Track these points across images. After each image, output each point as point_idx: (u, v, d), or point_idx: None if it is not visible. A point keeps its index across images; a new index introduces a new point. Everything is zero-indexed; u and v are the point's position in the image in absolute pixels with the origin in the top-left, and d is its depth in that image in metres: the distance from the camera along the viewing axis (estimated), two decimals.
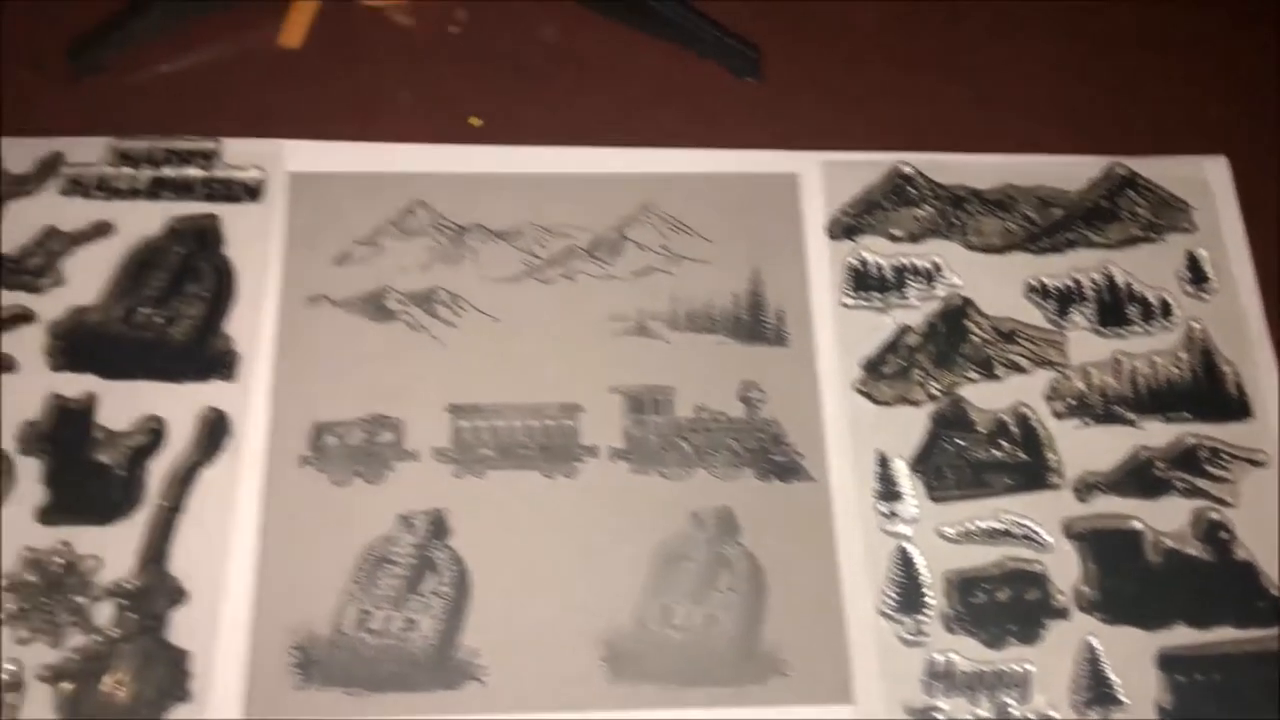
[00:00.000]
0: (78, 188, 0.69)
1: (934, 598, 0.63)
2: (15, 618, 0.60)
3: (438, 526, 0.64)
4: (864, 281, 0.70)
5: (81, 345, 0.66)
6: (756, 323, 0.69)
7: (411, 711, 0.59)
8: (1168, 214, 0.73)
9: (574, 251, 0.70)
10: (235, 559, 0.62)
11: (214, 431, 0.65)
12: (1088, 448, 0.67)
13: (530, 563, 0.63)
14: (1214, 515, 0.65)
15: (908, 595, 0.63)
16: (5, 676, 0.59)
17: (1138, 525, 0.65)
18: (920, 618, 0.63)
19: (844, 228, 0.71)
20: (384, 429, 0.65)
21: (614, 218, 0.71)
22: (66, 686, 0.59)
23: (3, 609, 0.60)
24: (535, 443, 0.66)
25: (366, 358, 0.67)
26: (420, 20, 0.75)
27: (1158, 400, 0.68)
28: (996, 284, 0.71)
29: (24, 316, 0.66)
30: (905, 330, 0.69)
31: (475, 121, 0.73)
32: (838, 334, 0.69)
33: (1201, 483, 0.66)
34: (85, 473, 0.63)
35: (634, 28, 0.76)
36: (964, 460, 0.66)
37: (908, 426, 0.67)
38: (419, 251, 0.70)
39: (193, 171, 0.70)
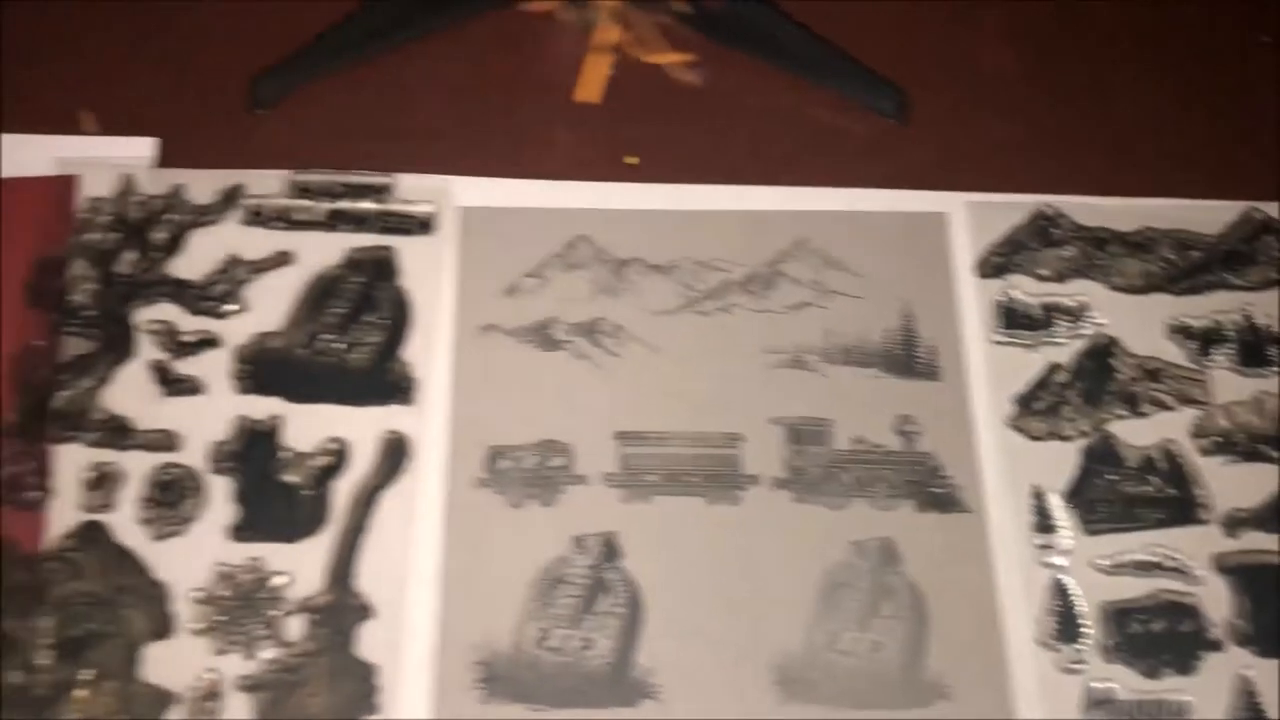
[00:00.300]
0: (258, 218, 0.73)
1: (1090, 628, 0.65)
2: (211, 630, 0.63)
3: (610, 549, 0.66)
4: (1013, 319, 0.72)
5: (266, 369, 0.69)
6: (909, 357, 0.71)
7: None
8: None
9: (729, 285, 0.73)
10: (418, 576, 0.65)
11: (395, 453, 0.67)
12: (1234, 484, 0.69)
13: (699, 586, 0.65)
14: None
15: (1065, 625, 0.65)
16: (204, 684, 0.62)
17: None
18: (1078, 647, 0.64)
19: (993, 267, 0.74)
20: (555, 454, 0.68)
21: (767, 253, 0.74)
22: (261, 696, 0.62)
23: (199, 621, 0.63)
24: (699, 470, 0.68)
25: (536, 385, 0.70)
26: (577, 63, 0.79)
27: None
28: (1140, 324, 0.73)
29: (210, 341, 0.69)
30: (1054, 368, 0.71)
31: (631, 160, 0.76)
32: (989, 370, 0.71)
33: None
34: (273, 492, 0.66)
35: (781, 69, 0.79)
36: (1115, 494, 0.68)
37: (1059, 461, 0.69)
38: (582, 284, 0.72)
39: (368, 205, 0.73)
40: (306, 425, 0.68)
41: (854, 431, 0.69)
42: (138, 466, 0.66)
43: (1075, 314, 0.73)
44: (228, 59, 0.77)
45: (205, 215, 0.72)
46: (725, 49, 0.79)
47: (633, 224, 0.74)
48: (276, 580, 0.64)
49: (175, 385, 0.68)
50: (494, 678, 0.63)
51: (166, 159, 0.74)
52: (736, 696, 0.63)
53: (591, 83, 0.76)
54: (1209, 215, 0.76)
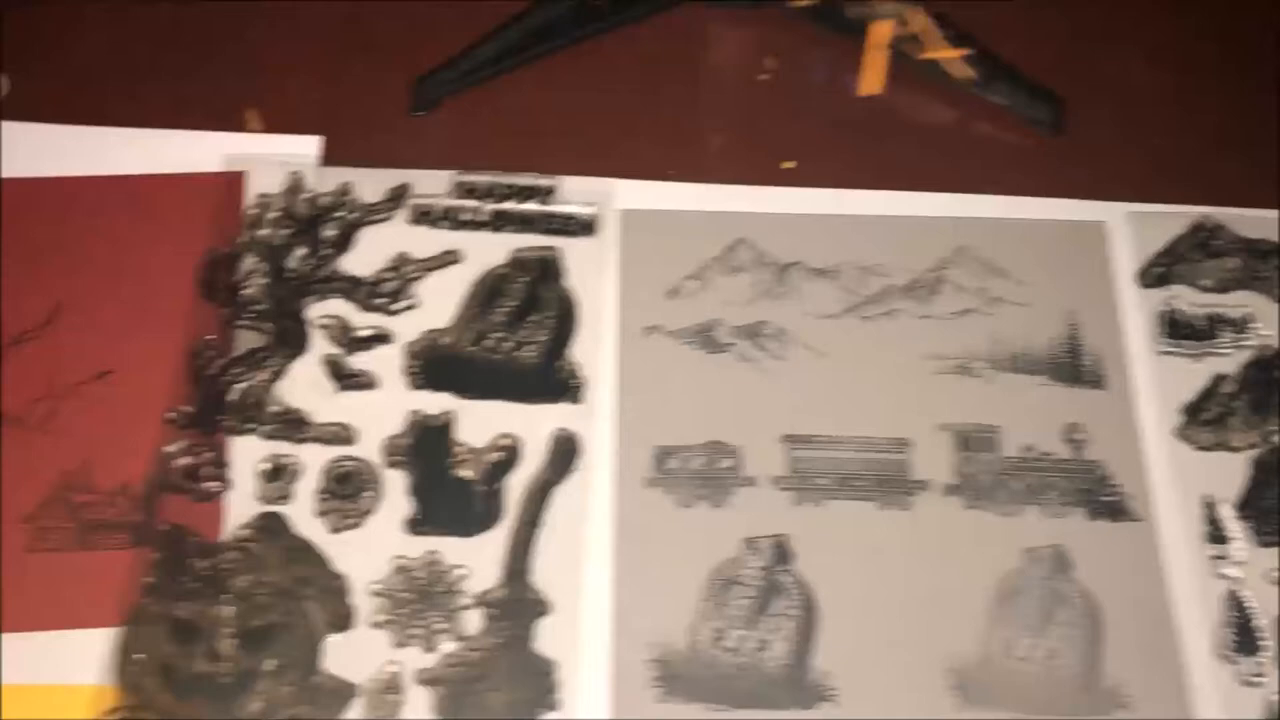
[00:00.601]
0: (425, 217, 0.73)
1: (1269, 640, 0.64)
2: (390, 622, 0.64)
3: (782, 551, 0.66)
4: (1176, 329, 0.72)
5: (437, 366, 0.70)
6: (1075, 365, 0.71)
7: None
8: None
9: (892, 291, 0.73)
10: (592, 574, 0.65)
11: (566, 451, 0.68)
12: None
13: (872, 590, 0.65)
14: None
15: (1243, 638, 0.64)
16: (386, 677, 0.62)
17: None
18: (1258, 660, 0.64)
19: (1154, 277, 0.73)
20: (723, 455, 0.68)
21: (930, 260, 0.74)
22: (441, 691, 0.63)
23: (378, 614, 0.64)
24: (869, 475, 0.68)
25: (701, 387, 0.70)
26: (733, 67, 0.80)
27: None
28: None
29: (382, 337, 0.70)
30: (1220, 379, 0.71)
31: (788, 165, 0.77)
32: (1154, 379, 0.71)
33: None
34: (448, 487, 0.67)
35: (938, 76, 0.79)
36: None
37: (1229, 472, 0.68)
38: (744, 287, 0.73)
39: (532, 207, 0.74)
40: (478, 421, 0.68)
41: (1022, 439, 0.69)
42: (314, 459, 0.67)
43: (1239, 325, 0.72)
44: (390, 61, 0.78)
45: (374, 213, 0.73)
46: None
47: (792, 228, 0.74)
48: (454, 574, 0.65)
49: (348, 380, 0.69)
50: (671, 676, 0.63)
51: (330, 158, 0.75)
52: (914, 701, 0.63)
53: (873, 77, 0.76)
54: None
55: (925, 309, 0.72)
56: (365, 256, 0.72)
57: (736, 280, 0.73)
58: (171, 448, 0.67)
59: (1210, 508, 0.67)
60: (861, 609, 0.65)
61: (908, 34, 0.75)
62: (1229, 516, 0.67)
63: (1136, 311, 0.72)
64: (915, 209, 0.75)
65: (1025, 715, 0.62)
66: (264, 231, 0.72)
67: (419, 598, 0.64)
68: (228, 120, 0.76)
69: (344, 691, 0.62)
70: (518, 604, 0.64)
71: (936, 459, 0.68)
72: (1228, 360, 0.71)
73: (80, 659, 0.62)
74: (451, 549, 0.65)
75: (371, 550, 0.65)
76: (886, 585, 0.65)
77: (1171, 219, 0.75)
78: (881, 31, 0.74)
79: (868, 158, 0.77)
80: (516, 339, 0.70)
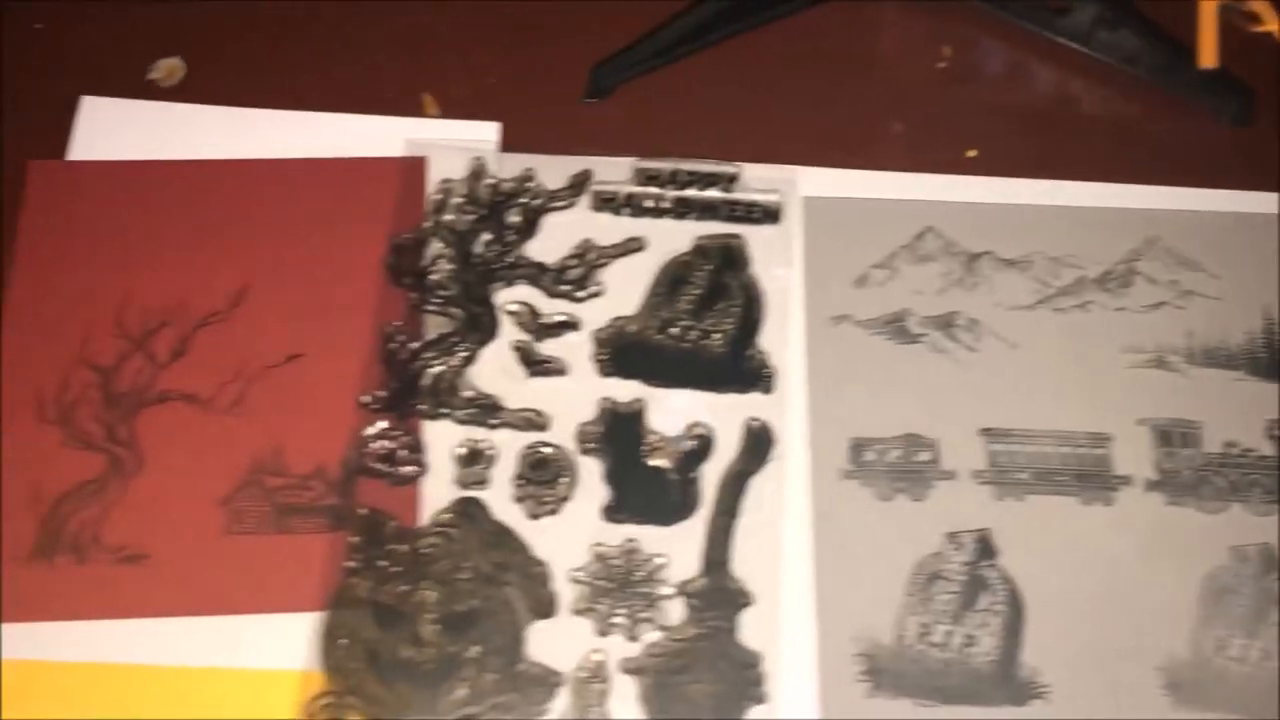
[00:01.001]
0: (607, 204, 0.73)
1: None
2: (592, 610, 0.63)
3: (985, 546, 0.65)
4: None
5: (624, 353, 0.69)
6: (1274, 361, 0.69)
7: None
8: None
9: (1085, 283, 0.71)
10: (792, 565, 0.64)
11: (760, 441, 0.67)
12: None
13: (1077, 586, 0.64)
14: None
15: None
16: (591, 666, 0.62)
17: None
18: None
19: None
20: (920, 448, 0.67)
21: (1120, 251, 0.72)
22: (646, 680, 0.62)
23: (580, 601, 0.63)
24: (1069, 470, 0.67)
25: (894, 378, 0.69)
26: (910, 55, 0.79)
27: None
28: None
29: (570, 324, 0.70)
30: None
31: (971, 154, 0.75)
32: None
33: None
34: (642, 475, 0.66)
35: (1121, 65, 0.77)
36: None
37: None
38: (934, 277, 0.71)
39: (714, 194, 0.73)
40: (669, 409, 0.68)
41: (1224, 435, 0.67)
42: (509, 444, 0.67)
43: None
44: (565, 46, 0.77)
45: (556, 200, 0.72)
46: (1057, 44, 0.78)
47: (980, 217, 0.73)
48: (654, 563, 0.64)
49: (538, 366, 0.68)
50: (878, 671, 0.62)
51: (506, 143, 0.75)
52: (1126, 699, 0.61)
53: (1209, 50, 0.74)
54: None
55: (1118, 301, 0.71)
56: (549, 243, 0.71)
57: (925, 270, 0.72)
58: (367, 431, 0.67)
59: None
60: (1068, 605, 0.63)
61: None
62: None
63: None
64: (1102, 199, 0.74)
65: (1241, 717, 0.61)
66: (448, 217, 0.71)
67: (619, 586, 0.64)
68: (403, 105, 0.76)
69: (550, 679, 0.61)
70: (720, 594, 0.63)
71: (1137, 454, 0.67)
72: None
73: (282, 643, 0.62)
74: (649, 537, 0.65)
75: (570, 537, 0.65)
76: (1092, 582, 0.64)
77: None
78: (1209, 6, 0.73)
79: (1050, 147, 0.75)
80: (702, 327, 0.69)
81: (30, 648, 0.62)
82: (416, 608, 0.63)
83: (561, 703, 0.61)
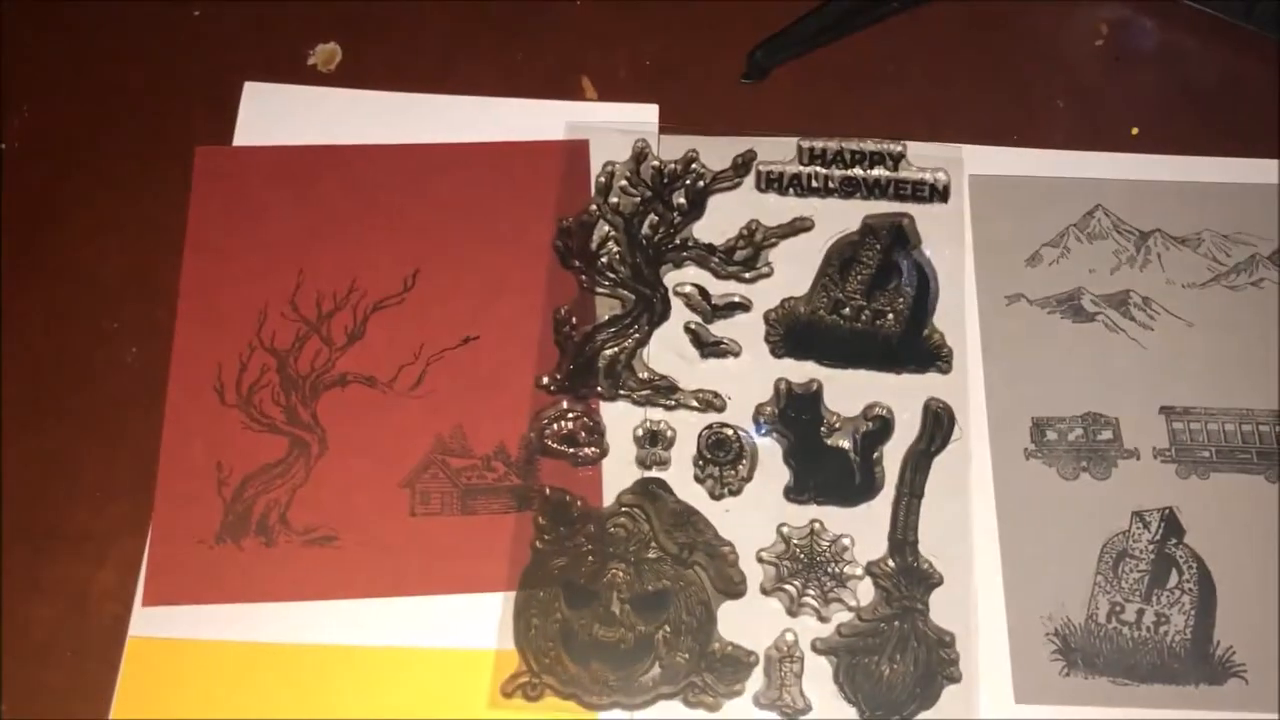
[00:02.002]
0: (773, 184, 0.72)
1: None
2: (781, 590, 0.63)
3: (1171, 525, 0.65)
4: None
5: (797, 334, 0.69)
6: None
7: (1183, 705, 0.61)
8: None
9: (1257, 260, 0.71)
10: (979, 545, 0.64)
11: (940, 421, 0.67)
12: None
13: (1268, 565, 0.64)
14: None
15: None
16: (785, 645, 0.62)
17: None
18: None
19: None
20: (1101, 427, 0.67)
21: None
22: (837, 661, 0.62)
23: (768, 581, 0.63)
24: (1252, 448, 0.66)
25: (1072, 356, 0.68)
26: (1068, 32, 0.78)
27: None
28: None
29: (740, 305, 0.70)
30: None
31: (1134, 131, 0.75)
32: None
33: None
34: (822, 455, 0.66)
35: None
36: None
37: None
38: (1105, 255, 0.71)
39: (881, 172, 0.72)
40: (844, 390, 0.68)
41: None
42: (686, 425, 0.67)
43: None
44: (720, 28, 0.77)
45: (721, 180, 0.72)
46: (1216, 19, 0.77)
47: (1147, 195, 0.72)
48: (840, 544, 0.64)
49: (711, 347, 0.68)
50: (1071, 650, 0.62)
51: (665, 125, 0.75)
52: None
53: None
54: None
55: None
56: (715, 224, 0.71)
57: (1097, 248, 0.71)
58: (547, 413, 0.67)
59: None
60: (1260, 585, 0.63)
61: None
62: None
63: None
64: (1269, 176, 0.73)
65: None
66: (614, 199, 0.71)
67: (807, 566, 0.64)
68: (561, 88, 0.76)
69: (745, 659, 0.62)
70: (909, 575, 0.63)
71: None
72: None
73: (472, 623, 0.63)
74: (833, 518, 0.65)
75: (753, 518, 0.65)
76: None
77: None
78: None
79: (1213, 123, 0.75)
80: (875, 308, 0.69)
81: (221, 629, 0.63)
82: (607, 587, 0.63)
83: (756, 682, 0.61)
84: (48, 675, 0.62)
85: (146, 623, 0.63)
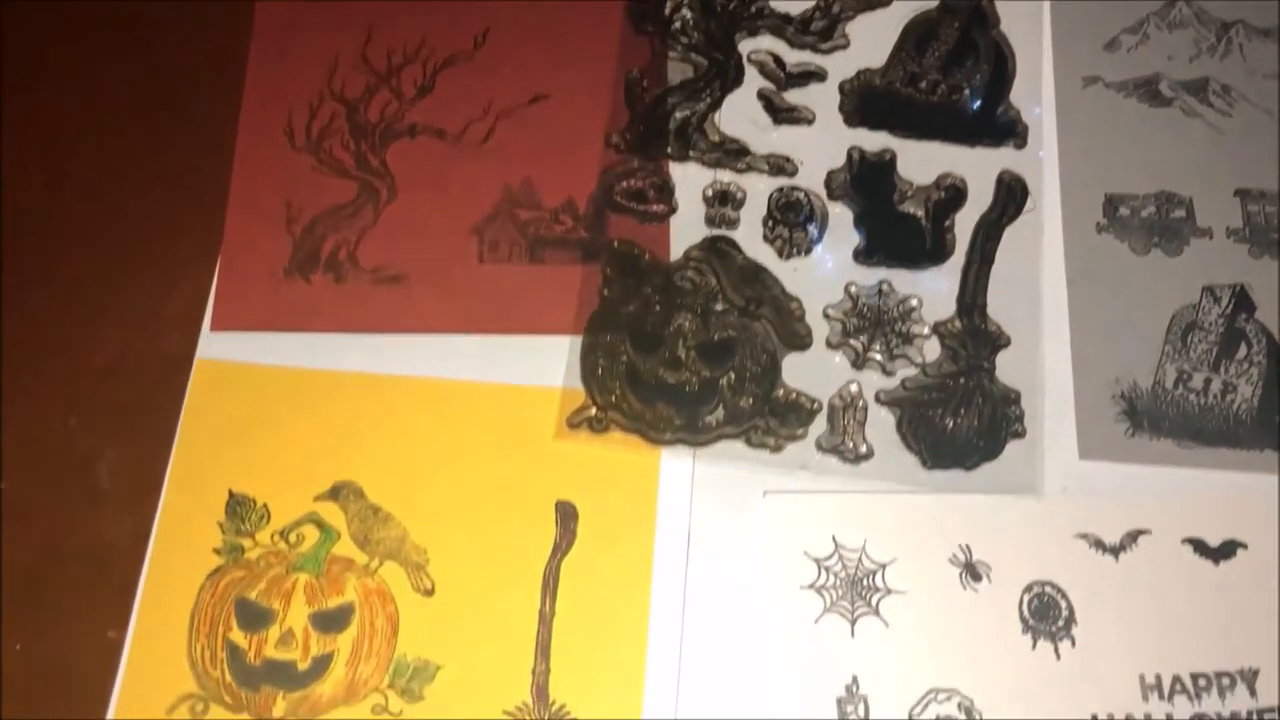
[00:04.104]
0: None
1: None
2: (847, 345, 0.63)
3: (1241, 300, 0.64)
4: None
5: (871, 104, 0.68)
6: None
7: (1247, 468, 0.61)
8: None
9: None
10: (1048, 311, 0.64)
11: (1012, 192, 0.66)
12: None
13: None
14: None
15: None
16: (848, 396, 0.62)
17: None
18: None
19: None
20: (1175, 206, 0.66)
21: None
22: (900, 413, 0.62)
23: (835, 336, 0.63)
24: None
25: (1147, 138, 0.68)
26: None
27: None
28: None
29: (816, 74, 0.69)
30: None
31: None
32: None
33: None
34: (893, 220, 0.66)
35: None
36: None
37: None
38: (1185, 44, 0.70)
39: None
40: (918, 161, 0.67)
41: None
42: (757, 187, 0.66)
43: None
44: None
45: None
46: None
47: None
48: (908, 304, 0.64)
49: (784, 114, 0.68)
50: (1136, 412, 0.62)
51: None
52: None
53: None
54: None
55: None
56: None
57: (1177, 36, 0.70)
58: (616, 170, 0.67)
59: None
60: None
61: None
62: None
63: None
64: None
65: None
66: None
67: (873, 324, 0.64)
68: None
69: (808, 406, 0.62)
70: (975, 335, 0.63)
71: None
72: None
73: (536, 363, 0.63)
74: (901, 280, 0.64)
75: (821, 277, 0.64)
76: None
77: None
78: None
79: None
80: (951, 83, 0.69)
81: (286, 356, 0.63)
82: (674, 335, 0.63)
83: (819, 428, 0.62)
84: (115, 393, 0.63)
85: (214, 347, 0.64)
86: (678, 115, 0.68)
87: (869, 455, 0.61)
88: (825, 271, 0.65)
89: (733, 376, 0.62)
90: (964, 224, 0.66)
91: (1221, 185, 0.67)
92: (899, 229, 0.66)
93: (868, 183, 0.67)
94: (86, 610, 0.59)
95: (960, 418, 0.62)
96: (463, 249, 0.66)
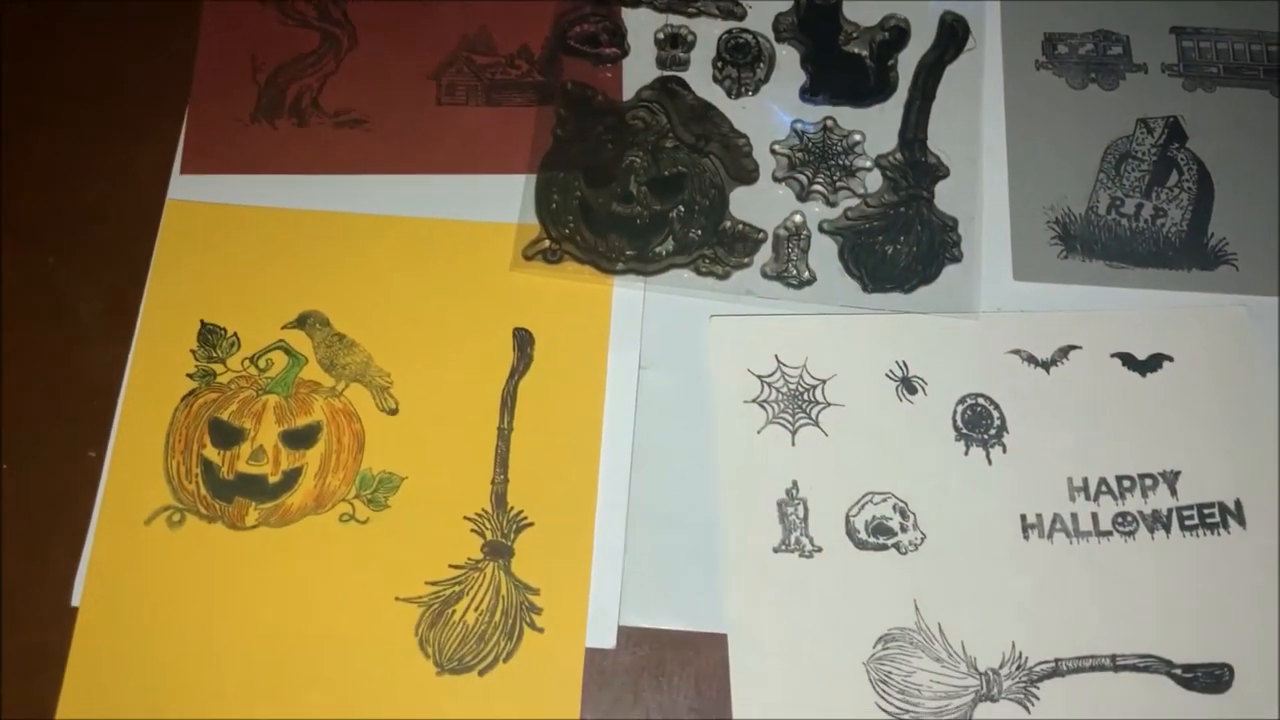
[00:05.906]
0: None
1: None
2: (792, 178, 0.66)
3: (1174, 131, 0.67)
4: None
5: None
6: None
7: (1175, 287, 0.63)
8: None
9: None
10: (987, 145, 0.66)
11: (955, 32, 0.68)
12: None
13: (1266, 169, 0.66)
14: None
15: None
16: (792, 225, 0.65)
17: None
18: None
19: None
20: (1112, 43, 0.68)
21: None
22: (841, 240, 0.65)
23: (780, 170, 0.66)
24: (1259, 65, 0.68)
25: None
26: None
27: None
28: None
29: None
30: None
31: None
32: None
33: None
34: (838, 60, 0.68)
35: None
36: None
37: None
38: None
39: None
40: (866, 4, 0.69)
41: None
42: (707, 30, 0.68)
43: None
44: None
45: None
46: None
47: None
48: (852, 139, 0.66)
49: None
50: (1070, 236, 0.64)
51: None
52: None
53: None
54: None
55: None
56: None
57: None
58: (569, 15, 0.69)
59: None
60: (1258, 186, 0.65)
61: None
62: None
63: None
64: None
65: None
66: None
67: (818, 158, 0.66)
68: None
69: (753, 235, 0.64)
70: (916, 167, 0.66)
71: None
72: None
73: (494, 200, 0.65)
74: (846, 116, 0.67)
75: (769, 114, 0.67)
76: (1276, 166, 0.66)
77: None
78: None
79: None
80: None
81: (254, 197, 0.66)
82: (625, 171, 0.65)
83: (764, 256, 0.64)
84: (95, 232, 0.66)
85: (184, 189, 0.66)
86: None
87: (811, 281, 0.64)
88: (772, 110, 0.67)
89: (682, 209, 0.65)
90: (907, 64, 0.68)
91: (1158, 23, 0.69)
92: (844, 67, 0.68)
93: (814, 25, 0.69)
94: (68, 433, 0.62)
95: (900, 244, 0.64)
96: (421, 93, 0.68)
